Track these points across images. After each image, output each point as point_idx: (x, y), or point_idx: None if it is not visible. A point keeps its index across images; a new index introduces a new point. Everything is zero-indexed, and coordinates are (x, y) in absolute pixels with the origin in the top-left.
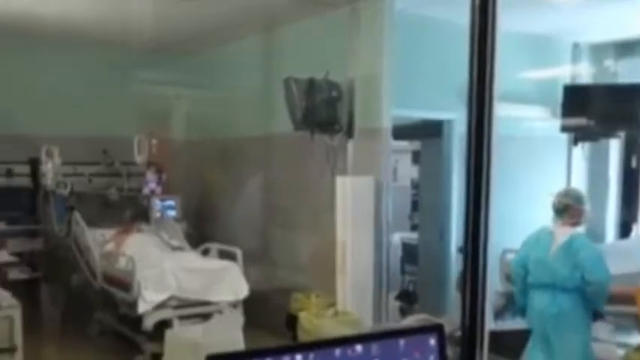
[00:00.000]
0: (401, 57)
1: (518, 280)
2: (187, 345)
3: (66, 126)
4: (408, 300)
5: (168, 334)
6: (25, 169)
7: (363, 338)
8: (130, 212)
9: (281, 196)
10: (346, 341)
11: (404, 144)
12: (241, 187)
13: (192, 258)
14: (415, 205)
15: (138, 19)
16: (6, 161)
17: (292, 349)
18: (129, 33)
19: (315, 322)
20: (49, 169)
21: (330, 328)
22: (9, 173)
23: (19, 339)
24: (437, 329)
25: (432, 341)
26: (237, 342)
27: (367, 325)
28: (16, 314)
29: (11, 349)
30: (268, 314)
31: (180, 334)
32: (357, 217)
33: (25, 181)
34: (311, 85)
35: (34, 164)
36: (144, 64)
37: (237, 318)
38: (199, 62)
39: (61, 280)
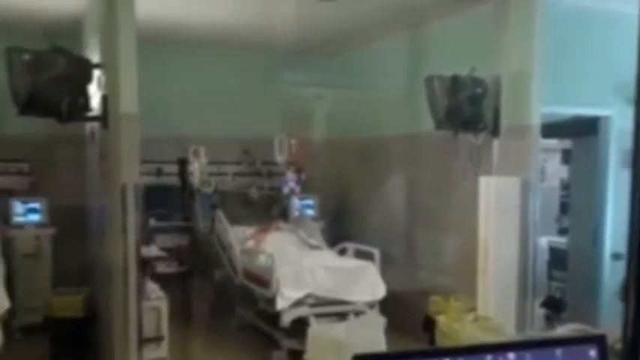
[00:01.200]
0: (552, 51)
1: None
2: (330, 343)
3: (212, 127)
4: (554, 307)
5: (311, 331)
6: (174, 168)
7: (516, 345)
8: (275, 210)
9: (422, 196)
10: (498, 347)
11: (552, 142)
12: (381, 187)
13: (329, 257)
14: (564, 208)
15: (282, 22)
16: (157, 161)
17: (441, 353)
18: (273, 36)
19: (455, 327)
20: (196, 168)
21: (470, 333)
22: (159, 172)
23: (165, 329)
24: (598, 340)
25: (592, 353)
26: (379, 342)
27: (509, 332)
28: (164, 306)
29: (158, 339)
30: (404, 316)
31: (322, 332)
32: (502, 219)
33: (174, 180)
34: (454, 83)
35: (183, 164)
36: (287, 65)
37: (379, 318)
38: (341, 62)
39: (205, 275)
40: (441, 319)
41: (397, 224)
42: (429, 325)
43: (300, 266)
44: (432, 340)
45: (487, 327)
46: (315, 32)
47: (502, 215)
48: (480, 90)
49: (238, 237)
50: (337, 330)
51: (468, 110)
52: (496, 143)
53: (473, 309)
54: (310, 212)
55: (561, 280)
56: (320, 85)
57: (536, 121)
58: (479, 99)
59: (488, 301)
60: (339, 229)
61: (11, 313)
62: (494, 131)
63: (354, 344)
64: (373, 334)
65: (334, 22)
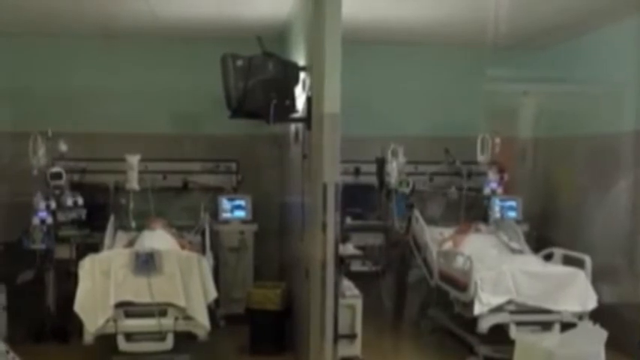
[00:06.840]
0: None
1: None
2: (540, 354)
3: (411, 126)
4: None
5: (520, 337)
6: (370, 167)
7: None
8: (474, 211)
9: None
10: None
11: None
12: (598, 189)
13: (533, 262)
14: None
15: (490, 17)
16: (355, 160)
17: None
18: (478, 32)
19: None
20: (393, 168)
21: None
22: (357, 171)
23: (359, 327)
24: None
25: None
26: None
27: None
28: (358, 304)
29: (352, 336)
30: (617, 330)
31: (534, 341)
32: None
33: (370, 179)
34: None
35: (381, 163)
36: (491, 61)
37: (600, 331)
38: (552, 55)
39: (398, 275)
40: None
41: (617, 230)
42: None
43: (500, 270)
44: None
45: None
46: (524, 25)
47: None
48: None
49: (435, 238)
50: (549, 341)
51: None
52: None
53: None
54: (512, 214)
55: None
56: (527, 81)
57: None
58: None
59: None
60: (545, 234)
61: (216, 302)
62: None
63: (568, 357)
64: (591, 349)
65: (547, 13)
